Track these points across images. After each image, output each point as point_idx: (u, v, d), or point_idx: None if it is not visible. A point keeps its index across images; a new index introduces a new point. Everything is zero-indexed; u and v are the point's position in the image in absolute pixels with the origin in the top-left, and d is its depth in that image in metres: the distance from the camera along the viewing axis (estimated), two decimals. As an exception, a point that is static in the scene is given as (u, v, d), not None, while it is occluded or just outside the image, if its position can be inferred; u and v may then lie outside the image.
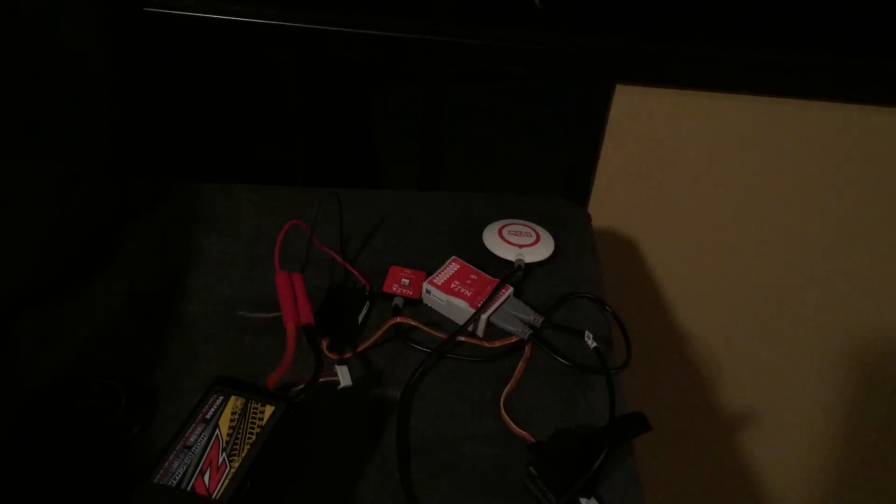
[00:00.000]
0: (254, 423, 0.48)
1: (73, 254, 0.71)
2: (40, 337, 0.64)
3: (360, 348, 0.64)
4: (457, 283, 0.69)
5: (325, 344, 0.63)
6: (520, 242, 0.74)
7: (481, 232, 0.77)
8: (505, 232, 0.75)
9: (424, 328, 0.66)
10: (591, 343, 0.64)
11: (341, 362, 0.63)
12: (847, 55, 0.83)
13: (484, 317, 0.66)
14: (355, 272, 0.71)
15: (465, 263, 0.71)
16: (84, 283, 0.69)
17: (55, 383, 0.60)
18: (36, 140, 0.68)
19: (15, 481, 0.54)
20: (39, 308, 0.66)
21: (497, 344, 0.66)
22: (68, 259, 0.71)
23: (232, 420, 0.49)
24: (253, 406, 0.49)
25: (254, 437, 0.48)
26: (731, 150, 0.91)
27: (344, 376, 0.59)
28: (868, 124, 0.87)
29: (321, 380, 0.57)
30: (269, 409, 0.49)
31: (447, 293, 0.68)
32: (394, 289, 0.69)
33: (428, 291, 0.69)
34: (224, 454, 0.47)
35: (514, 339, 0.66)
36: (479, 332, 0.67)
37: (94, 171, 0.76)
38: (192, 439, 0.48)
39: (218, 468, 0.46)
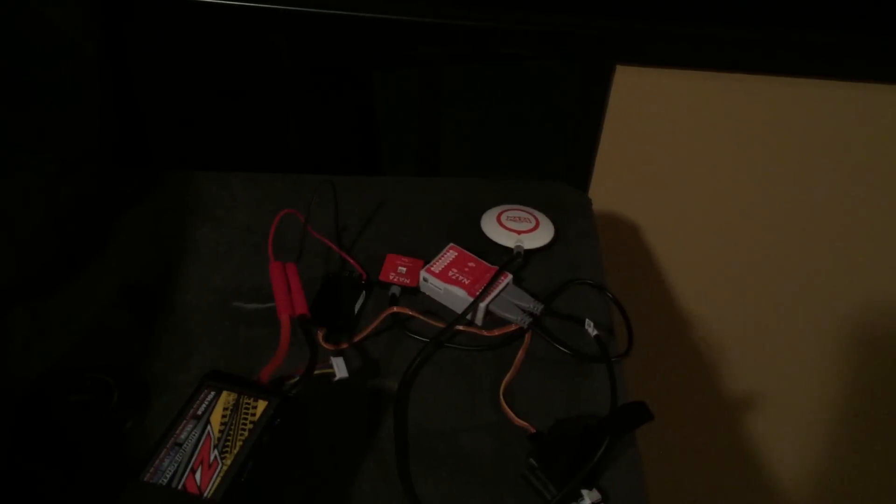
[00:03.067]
0: (246, 419, 0.47)
1: (63, 245, 0.70)
2: (32, 330, 0.63)
3: (357, 339, 0.63)
4: (455, 270, 0.68)
5: (320, 335, 0.62)
6: (519, 228, 0.73)
7: (479, 218, 0.75)
8: (503, 218, 0.74)
9: (422, 317, 0.65)
10: (592, 331, 0.63)
11: (337, 353, 0.62)
12: (852, 32, 0.81)
13: (482, 305, 0.65)
14: (351, 261, 0.70)
15: (463, 251, 0.70)
16: (75, 275, 0.68)
17: (47, 377, 0.59)
18: (24, 129, 0.67)
19: (6, 476, 0.53)
20: (31, 301, 0.65)
21: (496, 333, 0.65)
22: (59, 251, 0.70)
23: (224, 416, 0.48)
24: (245, 401, 0.48)
25: (246, 434, 0.47)
26: (732, 131, 0.89)
27: (340, 368, 0.58)
28: (872, 102, 0.86)
29: (316, 372, 0.56)
30: (261, 405, 0.48)
31: (445, 281, 0.67)
32: (390, 277, 0.68)
33: (425, 280, 0.68)
34: (216, 451, 0.46)
35: (513, 328, 0.65)
36: (478, 321, 0.66)
37: (84, 160, 0.74)
38: (182, 436, 0.47)
39: (209, 465, 0.45)
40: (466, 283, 0.66)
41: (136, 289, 0.68)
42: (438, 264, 0.68)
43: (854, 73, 0.84)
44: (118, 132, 0.87)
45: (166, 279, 0.69)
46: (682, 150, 0.91)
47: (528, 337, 0.64)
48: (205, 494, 0.44)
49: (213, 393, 0.49)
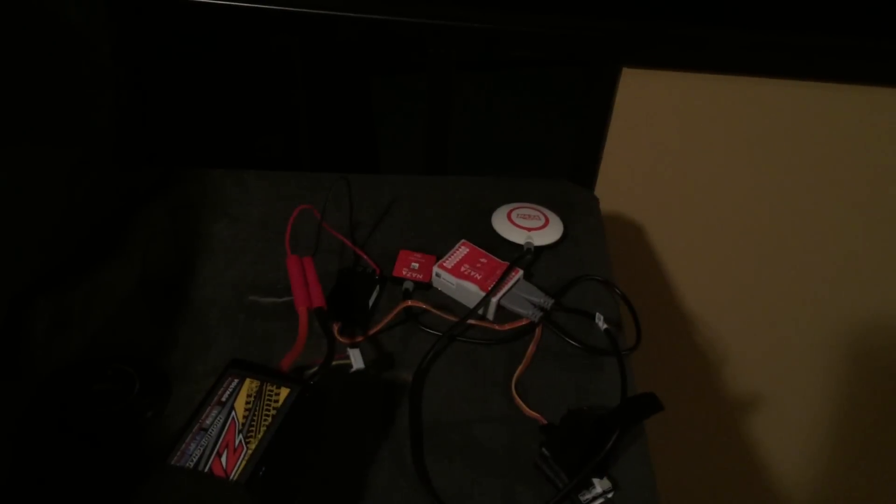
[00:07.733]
0: (269, 406, 0.49)
1: (83, 240, 0.72)
2: (54, 322, 0.65)
3: (372, 332, 0.65)
4: (467, 266, 0.69)
5: (336, 328, 0.63)
6: (529, 226, 0.74)
7: (490, 215, 0.77)
8: (514, 215, 0.75)
9: (435, 311, 0.67)
10: (602, 324, 0.65)
11: (353, 346, 0.63)
12: (860, 36, 0.83)
13: (494, 300, 0.66)
14: (365, 256, 0.71)
15: (475, 247, 0.71)
16: (95, 269, 0.70)
17: (70, 368, 0.60)
18: (45, 127, 0.68)
19: (32, 464, 0.54)
20: (53, 294, 0.67)
21: (507, 327, 0.66)
22: (79, 245, 0.71)
23: (247, 402, 0.49)
24: (268, 388, 0.50)
25: (269, 419, 0.48)
26: (737, 133, 0.91)
27: (356, 359, 0.60)
28: (879, 107, 0.87)
29: (334, 363, 0.57)
30: (284, 392, 0.50)
31: (457, 277, 0.68)
32: (404, 273, 0.70)
33: (438, 275, 0.69)
34: (240, 436, 0.47)
35: (524, 322, 0.66)
36: (490, 315, 0.68)
37: (102, 157, 0.76)
38: (208, 422, 0.48)
39: (235, 450, 0.46)
40: (478, 278, 0.68)
41: (154, 283, 0.69)
42: (451, 260, 0.69)
43: (862, 76, 0.84)
44: (135, 131, 0.88)
45: (184, 274, 0.70)
46: (687, 151, 0.93)
47: (538, 331, 0.66)
48: (230, 477, 0.45)
49: (236, 380, 0.50)
